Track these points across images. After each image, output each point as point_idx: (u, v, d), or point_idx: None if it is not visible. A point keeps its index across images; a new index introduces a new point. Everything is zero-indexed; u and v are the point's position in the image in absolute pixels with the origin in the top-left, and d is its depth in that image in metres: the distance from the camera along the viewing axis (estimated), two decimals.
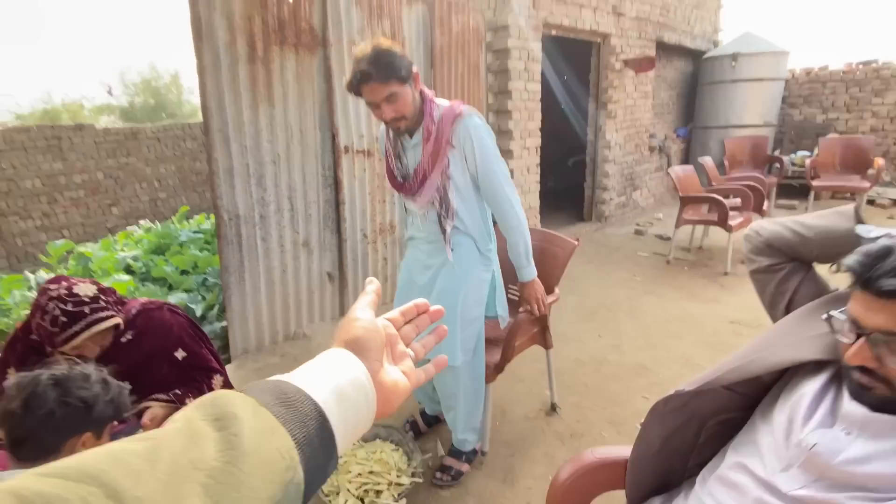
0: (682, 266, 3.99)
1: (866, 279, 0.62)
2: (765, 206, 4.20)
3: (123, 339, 1.37)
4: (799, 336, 0.78)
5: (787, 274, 0.90)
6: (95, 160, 6.83)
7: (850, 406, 0.67)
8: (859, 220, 0.83)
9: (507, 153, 3.92)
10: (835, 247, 0.83)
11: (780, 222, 0.92)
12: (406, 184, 1.50)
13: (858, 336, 0.64)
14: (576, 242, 1.92)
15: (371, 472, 1.64)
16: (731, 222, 3.70)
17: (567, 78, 6.50)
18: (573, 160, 7.07)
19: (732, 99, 6.47)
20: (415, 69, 1.36)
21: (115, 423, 1.05)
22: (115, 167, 7.05)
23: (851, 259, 0.65)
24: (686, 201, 3.98)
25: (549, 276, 1.91)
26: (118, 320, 1.29)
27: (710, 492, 0.77)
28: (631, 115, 5.45)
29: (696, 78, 7.03)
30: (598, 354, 2.62)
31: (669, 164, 6.30)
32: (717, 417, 0.84)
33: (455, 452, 1.77)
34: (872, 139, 5.48)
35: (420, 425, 2.00)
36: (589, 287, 3.62)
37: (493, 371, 1.75)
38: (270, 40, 2.46)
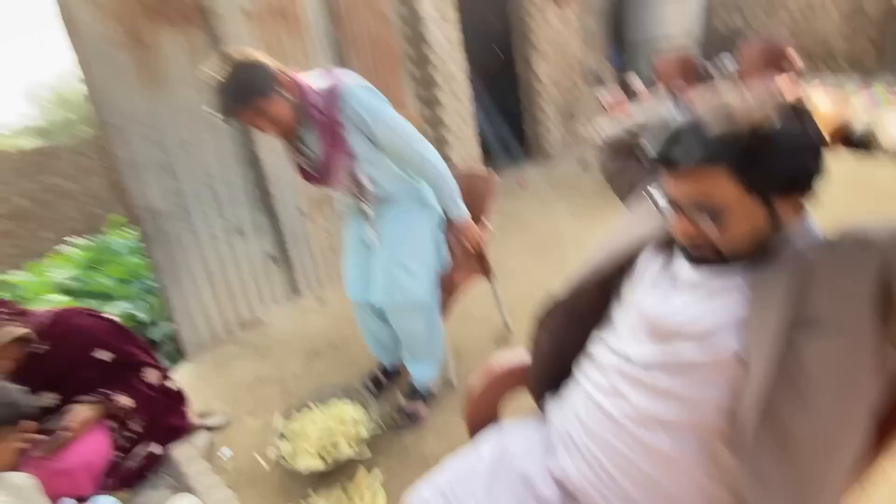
0: None
1: (663, 158, 0.65)
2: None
3: (40, 350, 1.33)
4: (643, 220, 0.82)
5: (636, 169, 0.94)
6: (14, 185, 6.38)
7: (679, 269, 0.72)
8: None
9: (436, 103, 3.85)
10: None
11: (616, 125, 0.96)
12: (316, 176, 1.51)
13: (677, 213, 0.68)
14: (494, 177, 1.94)
15: (327, 429, 1.68)
16: None
17: (488, 25, 6.31)
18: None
19: (655, 6, 6.42)
20: (276, 71, 1.32)
21: (33, 426, 1.03)
22: (39, 190, 6.61)
23: (647, 141, 0.68)
24: None
25: (477, 211, 1.94)
26: (19, 332, 1.24)
27: (583, 372, 0.83)
28: (561, 50, 5.40)
29: None
30: (546, 284, 2.69)
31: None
32: (589, 318, 0.88)
33: (413, 393, 1.83)
34: (789, 40, 5.63)
35: (381, 379, 2.05)
36: (535, 222, 3.68)
37: (442, 310, 1.80)
38: (151, 20, 2.29)
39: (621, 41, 7.03)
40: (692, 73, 6.06)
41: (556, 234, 3.39)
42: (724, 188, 0.62)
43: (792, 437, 0.56)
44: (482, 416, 1.05)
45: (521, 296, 2.61)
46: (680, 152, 0.63)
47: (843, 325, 0.56)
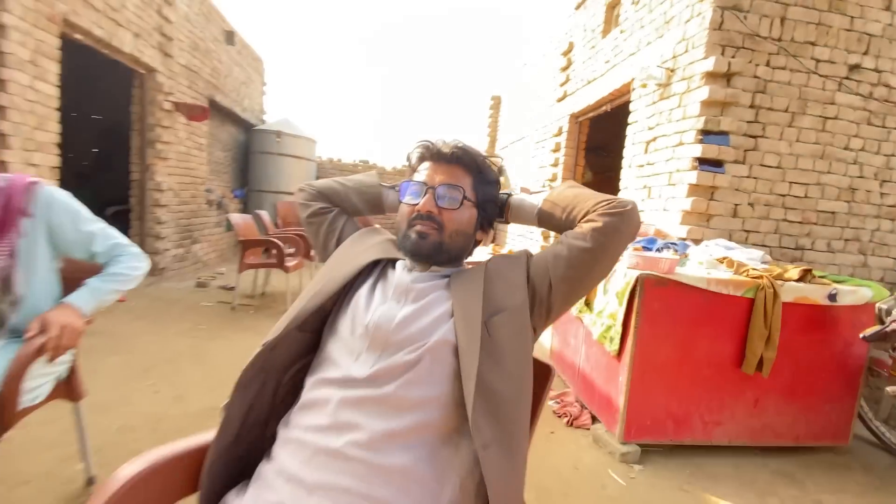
0: (248, 311, 3.96)
1: (436, 153, 0.88)
2: (311, 253, 4.91)
3: None
4: (351, 256, 0.90)
5: (336, 216, 1.03)
6: None
7: (395, 278, 0.82)
8: (382, 180, 1.09)
9: None
10: (366, 193, 1.04)
11: (328, 179, 1.09)
12: None
13: (426, 193, 0.83)
14: None
15: None
16: (289, 264, 4.05)
17: (106, 114, 5.39)
18: (113, 209, 5.82)
19: (279, 169, 7.41)
20: None
21: None
22: None
23: (418, 149, 0.90)
24: (247, 244, 4.04)
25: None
26: None
27: (289, 433, 0.71)
28: (186, 162, 5.13)
29: (248, 146, 7.60)
30: (155, 412, 2.09)
31: (229, 220, 6.33)
32: (292, 369, 0.81)
33: None
34: None
35: None
36: (141, 344, 2.92)
37: None
38: None
39: (247, 183, 7.51)
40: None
41: (167, 353, 2.78)
42: (465, 181, 0.87)
43: (496, 397, 0.67)
44: None
45: (110, 431, 1.89)
46: (446, 148, 0.88)
47: (514, 308, 0.77)
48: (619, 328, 2.09)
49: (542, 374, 0.85)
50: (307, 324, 0.80)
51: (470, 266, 0.89)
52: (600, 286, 2.32)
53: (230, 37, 6.11)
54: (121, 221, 4.76)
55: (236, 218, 4.25)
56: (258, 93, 7.87)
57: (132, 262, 1.36)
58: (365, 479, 0.62)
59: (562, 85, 4.96)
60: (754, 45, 2.52)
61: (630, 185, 3.33)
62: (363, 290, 0.81)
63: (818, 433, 2.21)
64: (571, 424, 2.33)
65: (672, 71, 2.81)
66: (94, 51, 3.78)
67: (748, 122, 2.57)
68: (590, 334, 2.37)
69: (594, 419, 2.33)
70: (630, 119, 3.38)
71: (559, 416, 2.42)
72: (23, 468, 1.58)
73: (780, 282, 2.08)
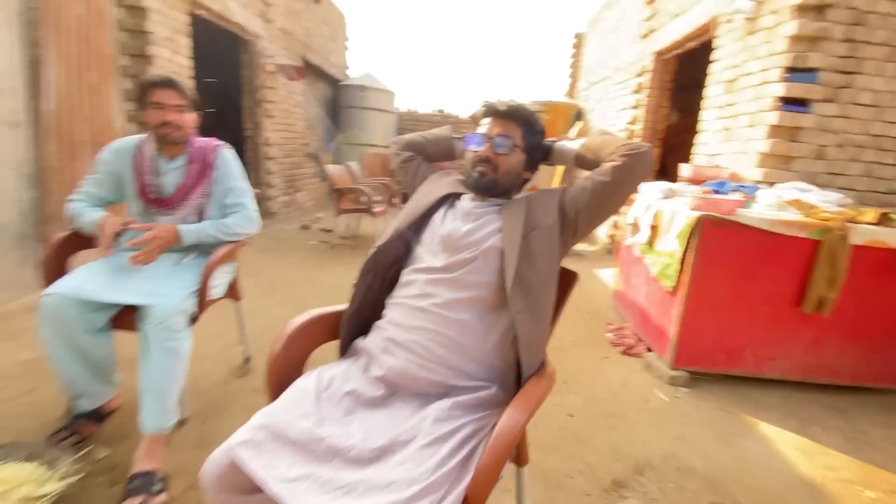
0: (345, 249, 4.58)
1: (493, 110, 1.14)
2: (394, 201, 5.38)
3: None
4: (432, 189, 1.22)
5: (419, 162, 1.36)
6: None
7: (462, 205, 1.13)
8: (453, 133, 1.38)
9: None
10: (441, 144, 1.35)
11: (413, 134, 1.40)
12: (164, 199, 1.64)
13: (486, 142, 1.12)
14: None
15: None
16: (376, 210, 4.56)
17: (221, 78, 6.16)
18: None
19: (363, 122, 7.90)
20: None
21: None
22: None
23: (482, 108, 1.16)
24: (341, 193, 4.60)
25: None
26: None
27: (396, 296, 1.07)
28: (287, 119, 5.77)
29: (336, 101, 8.16)
30: (284, 318, 2.65)
31: (324, 171, 7.03)
32: (392, 269, 1.15)
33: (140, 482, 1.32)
34: None
35: (83, 427, 1.53)
36: (265, 270, 3.62)
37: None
38: None
39: (336, 138, 8.14)
40: (389, 170, 7.60)
41: (285, 279, 3.44)
42: (516, 132, 1.13)
43: (528, 284, 0.98)
44: (288, 376, 1.06)
45: (257, 331, 2.51)
46: (502, 106, 1.13)
47: (547, 227, 1.05)
48: (676, 266, 2.24)
49: (570, 279, 1.13)
50: (402, 235, 1.14)
51: (516, 197, 1.18)
52: (663, 227, 2.44)
53: None
54: None
55: (332, 168, 4.80)
56: (342, 48, 8.28)
57: (240, 221, 1.71)
58: (440, 324, 0.97)
59: (647, 20, 4.69)
60: None
61: (709, 126, 3.25)
62: (439, 214, 1.14)
63: (879, 375, 2.23)
64: (626, 353, 2.57)
65: (760, 4, 2.65)
66: (209, 22, 4.36)
67: (841, 57, 2.40)
68: (650, 273, 2.54)
69: (648, 350, 2.54)
70: (713, 56, 3.23)
71: (615, 346, 2.66)
72: (201, 349, 2.21)
73: (852, 224, 2.07)
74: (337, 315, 1.15)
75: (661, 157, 5.03)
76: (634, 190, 1.08)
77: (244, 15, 4.58)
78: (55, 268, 1.61)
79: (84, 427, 1.53)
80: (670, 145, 5.92)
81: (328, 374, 0.99)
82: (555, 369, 1.00)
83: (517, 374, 0.99)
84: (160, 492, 1.27)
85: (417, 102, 14.98)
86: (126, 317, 1.50)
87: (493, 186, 1.12)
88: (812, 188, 2.36)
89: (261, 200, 5.42)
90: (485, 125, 1.15)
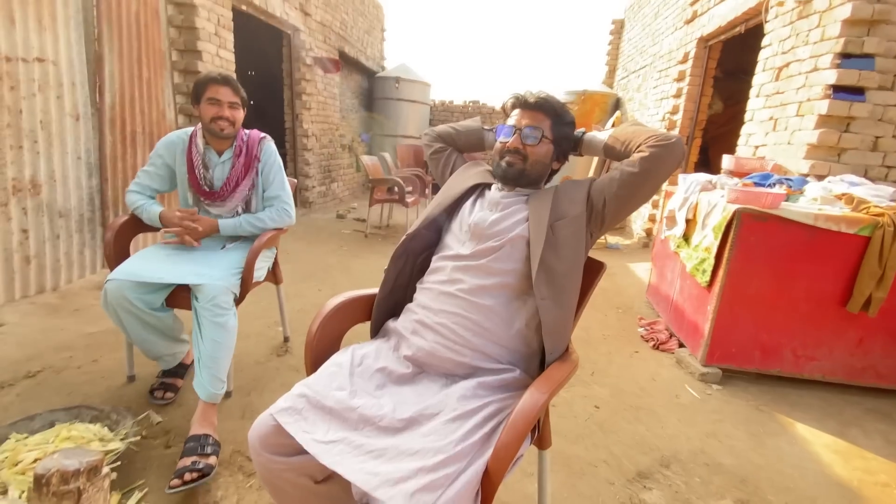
0: (378, 238, 4.69)
1: (523, 102, 1.16)
2: (426, 192, 5.45)
3: None
4: (462, 179, 1.25)
5: (450, 153, 1.40)
6: None
7: (490, 195, 1.15)
8: (483, 124, 1.41)
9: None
10: (471, 136, 1.38)
11: (444, 125, 1.44)
12: (214, 192, 1.74)
13: (514, 133, 1.14)
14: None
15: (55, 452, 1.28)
16: (408, 200, 4.63)
17: (261, 71, 6.39)
18: None
19: (398, 113, 7.99)
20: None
21: None
22: None
23: (511, 99, 1.18)
24: (375, 184, 4.70)
25: None
26: None
27: (426, 282, 1.12)
28: (323, 111, 5.92)
29: (371, 93, 8.27)
30: (320, 302, 2.79)
31: (358, 161, 7.17)
32: (422, 255, 1.20)
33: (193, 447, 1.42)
34: None
35: (173, 381, 1.77)
36: (303, 257, 3.77)
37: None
38: None
39: (371, 128, 8.26)
40: (422, 161, 7.67)
41: (321, 265, 3.57)
42: (545, 123, 1.14)
43: (553, 272, 1.00)
44: (324, 353, 1.14)
45: (293, 311, 2.64)
46: (531, 98, 1.15)
47: (574, 217, 1.07)
48: (712, 261, 2.19)
49: (596, 269, 1.15)
50: (433, 224, 1.19)
51: (544, 188, 1.20)
52: (699, 221, 2.38)
53: None
54: None
55: (366, 159, 4.90)
56: (379, 40, 8.36)
57: (275, 215, 1.80)
58: (466, 309, 1.01)
59: (691, 4, 4.50)
60: None
61: (756, 116, 3.11)
62: (468, 203, 1.18)
63: None
64: (657, 348, 2.54)
65: None
66: (251, 16, 4.52)
67: None
68: (684, 268, 2.49)
69: (681, 346, 2.50)
70: (763, 42, 3.08)
71: (646, 341, 2.63)
72: (244, 329, 2.36)
73: None
74: (370, 298, 1.21)
75: (703, 148, 4.84)
76: (663, 181, 1.07)
77: (283, 8, 4.72)
78: (116, 251, 1.75)
79: (174, 381, 1.76)
80: (713, 135, 5.68)
81: (361, 351, 1.06)
82: (578, 355, 1.02)
83: (541, 359, 1.02)
84: (212, 454, 1.39)
85: (452, 93, 14.93)
86: (180, 296, 1.64)
87: (521, 176, 1.14)
88: (864, 181, 2.24)
89: (299, 191, 5.60)
90: (514, 116, 1.17)
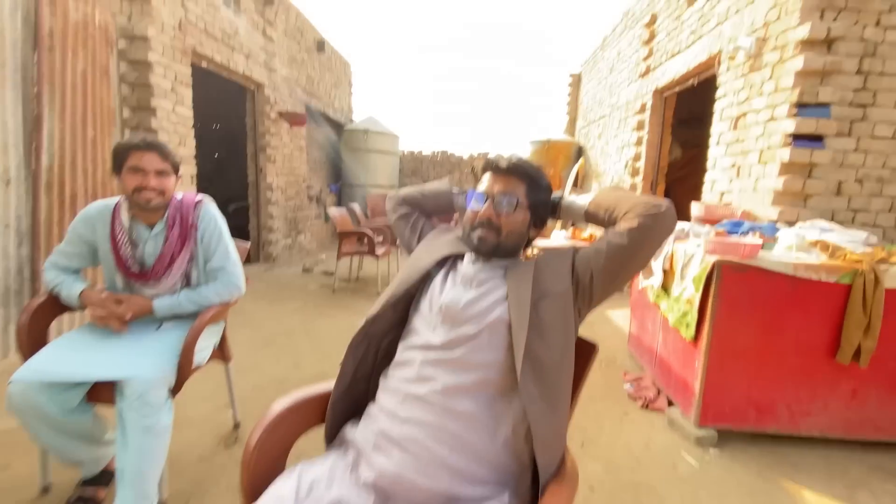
0: (346, 292, 4.46)
1: (494, 166, 1.04)
2: (397, 242, 5.30)
3: None
4: (430, 250, 1.10)
5: (417, 218, 1.26)
6: None
7: (463, 269, 1.01)
8: (452, 186, 1.29)
9: None
10: (439, 199, 1.26)
11: (410, 188, 1.31)
12: (146, 271, 1.53)
13: (486, 201, 1.01)
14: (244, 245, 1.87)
15: None
16: (378, 252, 4.47)
17: (223, 125, 6.28)
18: (235, 206, 6.78)
19: (367, 164, 7.97)
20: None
21: None
22: None
23: (485, 162, 1.07)
24: (343, 236, 4.53)
25: None
26: None
27: (391, 377, 0.94)
28: (290, 163, 5.80)
29: (340, 145, 8.27)
30: (278, 375, 2.55)
31: (326, 213, 7.01)
32: (387, 338, 1.03)
33: None
34: None
35: (94, 492, 1.47)
36: (263, 320, 3.49)
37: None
38: None
39: (340, 178, 8.20)
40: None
41: (283, 329, 3.31)
42: (520, 189, 1.02)
43: (541, 364, 0.84)
44: (265, 474, 0.92)
45: (250, 390, 2.36)
46: (503, 162, 1.03)
47: (558, 294, 0.92)
48: (695, 314, 2.09)
49: (588, 351, 1.00)
50: (398, 304, 1.02)
51: (528, 258, 1.06)
52: (677, 271, 2.31)
53: (321, 46, 6.68)
54: (240, 216, 5.57)
55: (334, 212, 4.75)
56: (347, 94, 8.48)
57: (220, 289, 1.59)
58: (441, 416, 0.83)
59: (645, 59, 4.73)
60: (860, 3, 2.26)
61: (718, 163, 3.17)
62: (438, 278, 1.02)
63: None
64: (646, 407, 2.38)
65: (763, 40, 2.62)
66: (214, 73, 4.45)
67: (855, 90, 2.33)
68: (666, 320, 2.38)
69: (670, 403, 2.35)
70: (718, 94, 3.19)
71: (634, 399, 2.47)
72: (189, 414, 2.07)
73: (884, 266, 1.93)
74: (324, 397, 1.01)
75: (665, 192, 4.95)
76: (654, 253, 0.96)
77: (247, 65, 4.68)
78: (32, 337, 1.50)
79: (95, 491, 1.47)
80: (674, 178, 5.86)
81: (310, 475, 0.85)
82: (576, 466, 0.85)
83: (533, 472, 0.84)
84: None
85: (421, 143, 15.27)
86: (104, 389, 1.39)
87: (495, 250, 1.01)
88: (835, 227, 2.24)
89: (262, 246, 5.36)
90: (485, 182, 1.05)
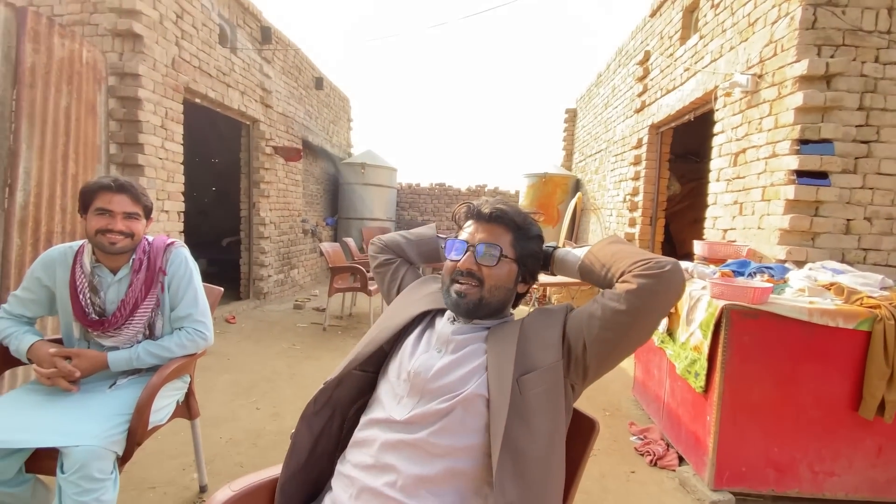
0: (337, 331, 4.28)
1: (476, 213, 0.93)
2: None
3: None
4: (407, 304, 0.97)
5: (398, 265, 1.14)
6: None
7: (441, 329, 0.87)
8: (437, 231, 1.19)
9: None
10: (425, 245, 1.15)
11: (393, 233, 1.20)
12: (105, 320, 1.40)
13: (467, 251, 0.89)
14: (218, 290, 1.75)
15: None
16: (371, 288, 4.33)
17: (220, 158, 6.28)
18: (227, 240, 6.69)
19: (364, 197, 7.94)
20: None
21: None
22: None
23: (463, 209, 0.97)
24: (335, 271, 4.40)
25: None
26: None
27: (343, 468, 0.79)
28: (284, 198, 5.74)
29: (337, 178, 8.27)
30: (255, 428, 2.35)
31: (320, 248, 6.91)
32: (355, 405, 0.89)
33: None
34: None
35: None
36: (245, 363, 3.31)
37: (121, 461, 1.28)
38: None
39: (337, 211, 8.15)
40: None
41: (267, 373, 3.12)
42: (505, 238, 0.90)
43: (523, 457, 0.69)
44: None
45: (223, 444, 2.17)
46: (487, 208, 0.91)
47: (547, 367, 0.78)
48: (704, 363, 1.94)
49: (587, 428, 0.85)
50: (367, 364, 0.89)
51: (510, 319, 0.93)
52: (683, 315, 2.17)
53: (319, 82, 6.76)
54: (233, 250, 5.46)
55: (326, 247, 4.64)
56: (345, 129, 8.55)
57: (184, 340, 1.46)
58: None
59: (639, 95, 4.75)
60: (858, 40, 2.22)
61: (719, 200, 3.08)
62: (412, 337, 0.89)
63: None
64: (655, 464, 2.18)
65: (759, 77, 2.58)
66: (214, 115, 4.44)
67: (857, 126, 2.26)
68: (673, 368, 2.22)
69: (681, 460, 2.16)
70: (715, 129, 3.14)
71: (641, 455, 2.28)
72: (150, 475, 1.88)
73: None
74: (275, 482, 0.86)
75: (665, 225, 4.86)
76: (660, 320, 0.82)
77: (242, 101, 4.68)
78: None
79: None
80: (672, 212, 5.79)
81: None
82: None
83: None
84: None
85: (419, 176, 15.42)
86: (44, 458, 1.23)
87: (476, 307, 0.87)
88: (847, 268, 2.11)
89: (252, 281, 5.22)
90: (467, 229, 0.93)
